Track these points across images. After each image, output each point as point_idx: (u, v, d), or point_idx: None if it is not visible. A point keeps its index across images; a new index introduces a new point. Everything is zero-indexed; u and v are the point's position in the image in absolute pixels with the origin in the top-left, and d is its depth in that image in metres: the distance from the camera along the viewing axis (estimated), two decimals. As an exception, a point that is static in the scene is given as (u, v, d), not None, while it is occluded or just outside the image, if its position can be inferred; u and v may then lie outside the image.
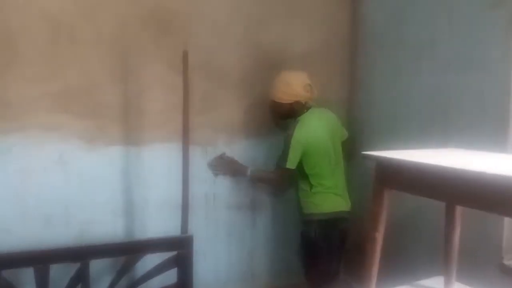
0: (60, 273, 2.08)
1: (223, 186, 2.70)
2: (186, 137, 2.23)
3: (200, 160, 2.61)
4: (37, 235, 2.25)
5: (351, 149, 2.70)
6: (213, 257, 2.69)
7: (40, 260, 1.98)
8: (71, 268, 2.08)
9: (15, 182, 2.23)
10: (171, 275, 2.25)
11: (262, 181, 2.70)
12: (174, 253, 2.23)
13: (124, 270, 2.18)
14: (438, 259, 1.66)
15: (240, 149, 2.70)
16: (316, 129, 2.45)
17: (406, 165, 1.29)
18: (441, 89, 2.22)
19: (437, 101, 2.25)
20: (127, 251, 2.18)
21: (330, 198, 2.48)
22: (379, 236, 1.38)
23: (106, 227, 2.42)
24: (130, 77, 2.41)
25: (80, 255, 2.06)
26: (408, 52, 2.44)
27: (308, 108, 2.51)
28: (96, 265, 2.19)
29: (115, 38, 2.36)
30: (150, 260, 2.23)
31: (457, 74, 2.13)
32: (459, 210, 1.57)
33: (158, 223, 2.50)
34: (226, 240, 2.73)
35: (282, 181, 2.57)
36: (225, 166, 2.65)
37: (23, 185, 2.24)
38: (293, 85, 2.44)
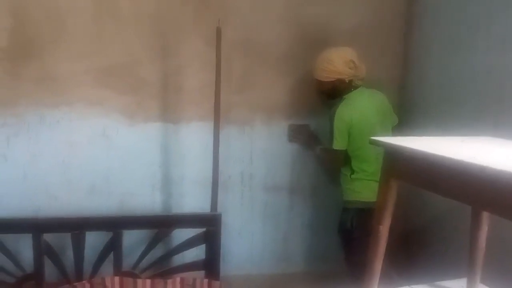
0: (97, 240, 2.22)
1: (260, 166, 2.65)
2: (217, 115, 2.22)
3: (236, 139, 2.58)
4: (81, 203, 2.41)
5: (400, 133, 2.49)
6: (247, 236, 2.68)
7: (76, 226, 2.12)
8: (107, 237, 2.20)
9: (63, 153, 2.40)
10: (203, 251, 2.28)
11: (323, 163, 2.62)
12: (203, 229, 2.26)
13: (155, 242, 2.26)
14: (464, 260, 1.48)
15: (279, 130, 2.63)
16: (363, 108, 2.29)
17: (414, 155, 1.14)
18: (496, 69, 1.95)
19: (491, 83, 1.98)
20: (157, 225, 2.25)
21: (371, 186, 2.30)
22: (384, 229, 1.25)
23: (145, 199, 2.52)
24: (169, 54, 2.44)
25: (113, 225, 2.17)
26: (464, 28, 2.17)
27: (355, 87, 2.35)
28: (130, 236, 2.30)
29: (155, 14, 2.39)
30: (185, 235, 2.28)
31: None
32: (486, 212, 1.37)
33: (194, 199, 2.54)
34: (261, 220, 2.70)
35: (337, 165, 2.40)
36: (301, 136, 2.62)
37: (70, 156, 2.41)
38: (334, 62, 2.29)
